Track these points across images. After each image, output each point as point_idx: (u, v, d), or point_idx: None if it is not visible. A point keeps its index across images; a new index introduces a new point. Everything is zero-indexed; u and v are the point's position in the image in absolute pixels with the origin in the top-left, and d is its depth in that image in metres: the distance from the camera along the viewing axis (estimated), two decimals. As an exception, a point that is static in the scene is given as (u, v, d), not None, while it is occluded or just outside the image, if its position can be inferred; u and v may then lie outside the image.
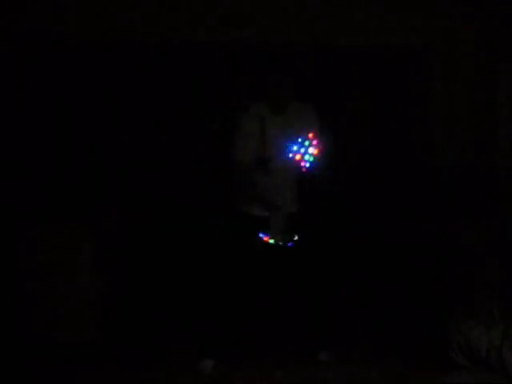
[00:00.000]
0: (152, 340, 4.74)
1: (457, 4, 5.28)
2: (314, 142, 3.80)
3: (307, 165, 3.79)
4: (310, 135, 3.81)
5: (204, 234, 5.22)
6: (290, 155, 3.82)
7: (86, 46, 5.27)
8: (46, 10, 5.13)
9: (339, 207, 5.52)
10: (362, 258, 5.40)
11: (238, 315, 4.29)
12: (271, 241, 3.95)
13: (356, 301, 5.13)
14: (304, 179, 4.14)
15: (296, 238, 3.99)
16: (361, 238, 5.45)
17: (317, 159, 3.79)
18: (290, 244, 3.99)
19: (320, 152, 3.81)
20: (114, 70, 5.40)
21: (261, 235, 3.96)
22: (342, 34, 5.24)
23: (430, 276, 5.02)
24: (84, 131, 5.46)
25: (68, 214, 4.94)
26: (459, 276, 4.54)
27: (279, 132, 4.06)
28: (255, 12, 5.15)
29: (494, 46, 5.26)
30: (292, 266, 4.28)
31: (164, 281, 5.33)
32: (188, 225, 5.42)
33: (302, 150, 3.81)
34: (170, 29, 5.12)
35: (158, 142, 5.56)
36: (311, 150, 3.80)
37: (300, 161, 3.80)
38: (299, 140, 3.81)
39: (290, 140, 3.89)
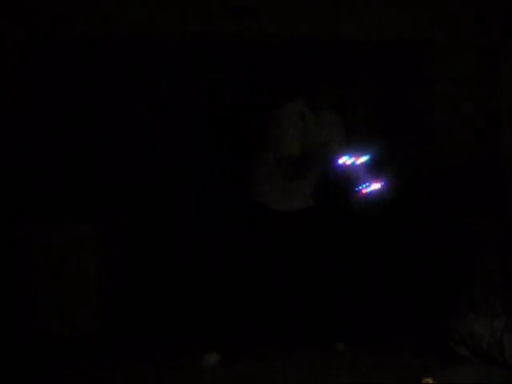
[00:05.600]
0: (155, 334, 4.74)
1: (458, -1, 5.31)
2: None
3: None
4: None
5: (207, 227, 5.23)
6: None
7: (89, 42, 5.30)
8: (45, 8, 5.17)
9: (339, 206, 5.50)
10: (363, 255, 5.38)
11: (245, 307, 4.29)
12: None
13: (357, 294, 5.11)
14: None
15: None
16: (362, 235, 5.43)
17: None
18: None
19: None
20: (115, 67, 5.40)
21: None
22: (342, 29, 5.27)
23: (432, 268, 5.01)
24: (84, 130, 5.46)
25: (70, 212, 4.96)
26: (460, 268, 4.53)
27: (317, 129, 4.18)
28: (257, 5, 5.19)
29: (495, 42, 5.26)
30: (298, 261, 4.32)
31: (167, 274, 5.32)
32: (189, 219, 5.42)
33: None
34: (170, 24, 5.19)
35: (163, 138, 5.55)
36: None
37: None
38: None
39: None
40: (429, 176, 5.45)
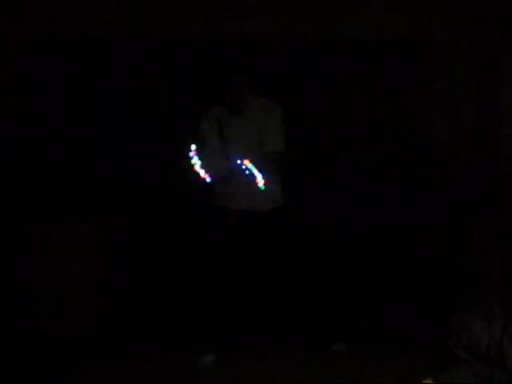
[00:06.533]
0: (153, 335, 4.74)
1: (458, -1, 5.31)
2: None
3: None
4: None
5: (207, 227, 5.22)
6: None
7: (89, 42, 5.29)
8: (45, 8, 5.17)
9: (340, 205, 5.51)
10: (363, 255, 5.39)
11: (240, 308, 4.30)
12: None
13: (357, 295, 5.12)
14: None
15: None
16: (362, 235, 5.44)
17: None
18: None
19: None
20: (115, 67, 5.40)
21: None
22: (342, 29, 5.27)
23: (432, 268, 5.01)
24: (84, 130, 5.45)
25: (70, 212, 4.96)
26: (460, 268, 4.52)
27: (237, 132, 4.13)
28: (257, 5, 5.19)
29: (495, 42, 5.26)
30: (298, 261, 4.31)
31: (164, 276, 5.33)
32: (189, 219, 5.41)
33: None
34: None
35: (163, 138, 5.54)
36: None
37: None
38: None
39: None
40: (429, 176, 5.45)
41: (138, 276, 5.28)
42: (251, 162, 4.01)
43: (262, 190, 3.97)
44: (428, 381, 3.73)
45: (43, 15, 5.19)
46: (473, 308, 4.01)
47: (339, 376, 4.05)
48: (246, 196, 4.17)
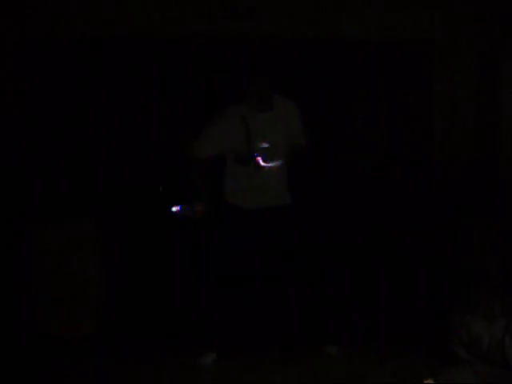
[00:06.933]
0: (153, 335, 4.74)
1: (458, -1, 5.31)
2: None
3: None
4: None
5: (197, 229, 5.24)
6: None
7: (89, 42, 5.29)
8: (45, 8, 5.18)
9: (340, 205, 5.51)
10: (363, 255, 5.39)
11: (240, 308, 4.30)
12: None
13: (357, 295, 5.13)
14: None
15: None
16: (362, 235, 5.44)
17: None
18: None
19: None
20: (115, 67, 5.40)
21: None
22: (342, 29, 5.27)
23: (432, 270, 5.01)
24: (84, 130, 5.46)
25: (70, 212, 4.96)
26: (460, 270, 4.53)
27: (263, 129, 4.16)
28: (257, 5, 5.20)
29: (495, 42, 5.26)
30: (292, 259, 4.30)
31: (164, 276, 5.33)
32: (185, 221, 5.41)
33: None
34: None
35: (163, 138, 5.55)
36: None
37: None
38: None
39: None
40: (429, 176, 5.45)
41: (138, 276, 5.28)
42: (278, 156, 4.16)
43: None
44: (428, 381, 3.73)
45: (43, 15, 5.19)
46: (473, 308, 4.02)
47: (339, 376, 4.05)
48: (256, 193, 4.20)
